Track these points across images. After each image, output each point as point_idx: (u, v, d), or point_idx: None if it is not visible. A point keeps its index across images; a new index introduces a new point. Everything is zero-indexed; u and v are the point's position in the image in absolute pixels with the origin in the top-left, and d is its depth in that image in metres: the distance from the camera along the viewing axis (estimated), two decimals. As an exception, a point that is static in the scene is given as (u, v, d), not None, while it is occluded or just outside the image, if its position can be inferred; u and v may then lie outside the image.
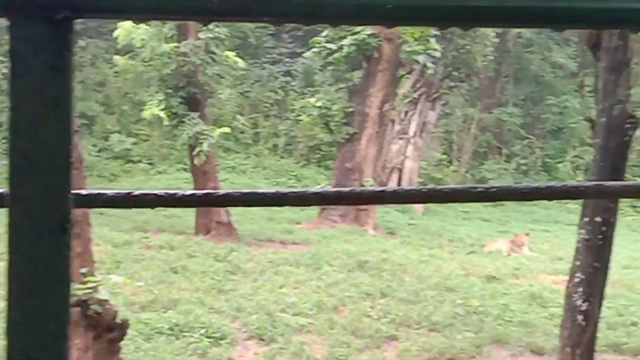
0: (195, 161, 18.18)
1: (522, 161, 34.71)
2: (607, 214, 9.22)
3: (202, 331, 12.75)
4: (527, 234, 22.09)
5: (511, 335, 13.65)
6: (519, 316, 14.61)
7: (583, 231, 9.30)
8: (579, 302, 9.35)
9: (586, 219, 9.28)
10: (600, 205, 9.19)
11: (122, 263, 16.09)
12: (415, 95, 27.91)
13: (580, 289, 9.33)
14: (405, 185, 28.68)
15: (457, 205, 30.60)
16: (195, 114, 18.11)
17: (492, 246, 21.36)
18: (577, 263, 9.38)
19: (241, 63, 18.87)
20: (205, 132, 17.69)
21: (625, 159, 9.37)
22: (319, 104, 23.36)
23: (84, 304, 8.56)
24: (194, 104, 18.38)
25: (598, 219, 9.19)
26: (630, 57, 9.12)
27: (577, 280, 9.37)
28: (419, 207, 28.59)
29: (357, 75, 23.95)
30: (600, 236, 9.24)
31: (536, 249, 21.90)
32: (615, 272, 18.93)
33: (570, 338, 9.46)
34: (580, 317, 9.37)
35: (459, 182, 32.80)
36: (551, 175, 34.52)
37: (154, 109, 17.87)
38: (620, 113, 9.05)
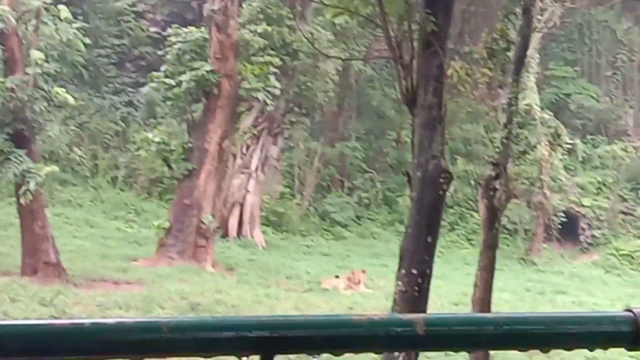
0: (22, 200, 17.45)
1: (364, 194, 35.29)
2: (423, 266, 9.35)
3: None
4: (363, 271, 22.34)
5: (340, 378, 13.70)
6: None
7: (400, 283, 9.40)
8: (395, 354, 9.43)
9: (403, 271, 9.38)
10: (416, 258, 9.33)
11: None
12: (257, 130, 27.94)
13: (398, 341, 9.42)
14: (246, 219, 28.59)
15: (299, 238, 30.79)
16: (22, 151, 17.41)
17: (328, 283, 21.50)
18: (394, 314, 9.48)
19: (71, 100, 18.30)
20: (32, 170, 17.02)
21: (440, 213, 9.55)
22: (157, 139, 23.00)
23: None
24: (21, 140, 17.68)
25: (414, 271, 9.31)
26: (444, 114, 9.34)
27: (394, 331, 9.46)
28: (260, 241, 28.56)
29: (198, 108, 23.77)
30: (417, 288, 9.35)
31: (372, 286, 22.20)
32: (444, 309, 19.48)
33: (388, 388, 9.52)
34: (397, 368, 9.44)
35: (302, 215, 33.00)
36: (392, 208, 35.24)
37: (-24, 146, 17.09)
38: (434, 168, 9.24)
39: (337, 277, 21.87)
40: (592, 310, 18.25)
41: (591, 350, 1.16)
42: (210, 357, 1.08)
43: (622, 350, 1.13)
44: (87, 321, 1.05)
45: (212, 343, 1.02)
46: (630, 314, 1.06)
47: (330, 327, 1.03)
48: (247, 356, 1.07)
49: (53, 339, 1.03)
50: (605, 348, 1.13)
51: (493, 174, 11.79)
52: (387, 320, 1.03)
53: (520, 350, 1.17)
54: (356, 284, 21.64)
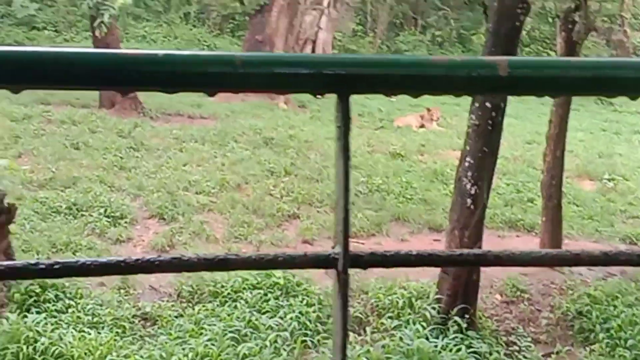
0: (97, 33, 17.59)
1: (438, 32, 34.61)
2: (497, 99, 9.25)
3: (101, 210, 12.59)
4: (438, 109, 22.13)
5: (411, 212, 13.83)
6: (420, 193, 14.82)
7: (473, 116, 9.35)
8: (468, 186, 9.48)
9: (476, 104, 9.30)
10: (491, 91, 9.21)
11: (20, 138, 15.70)
12: (329, -36, 27.32)
13: (470, 173, 9.45)
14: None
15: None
16: (96, -18, 17.41)
17: (401, 121, 21.44)
18: (467, 148, 9.46)
19: None
20: (105, 2, 17.04)
21: (516, 45, 9.35)
22: (229, -28, 22.71)
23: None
24: (94, -29, 17.64)
25: (488, 104, 9.22)
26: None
27: (466, 164, 9.47)
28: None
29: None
30: (490, 122, 9.30)
31: (445, 124, 22.06)
32: (518, 147, 19.35)
33: (459, 221, 9.63)
34: (469, 201, 9.52)
35: (375, 53, 32.67)
36: (465, 47, 34.60)
37: (51, -24, 17.13)
38: (512, -2, 8.98)
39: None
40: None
41: None
42: (283, 93, 1.09)
43: None
44: (160, 52, 1.04)
45: (287, 79, 1.01)
46: None
47: (409, 66, 1.01)
48: (322, 94, 1.06)
49: (125, 67, 1.02)
50: None
51: (572, 5, 11.41)
52: (468, 61, 1.02)
53: (606, 97, 1.15)
54: (429, 121, 21.46)
